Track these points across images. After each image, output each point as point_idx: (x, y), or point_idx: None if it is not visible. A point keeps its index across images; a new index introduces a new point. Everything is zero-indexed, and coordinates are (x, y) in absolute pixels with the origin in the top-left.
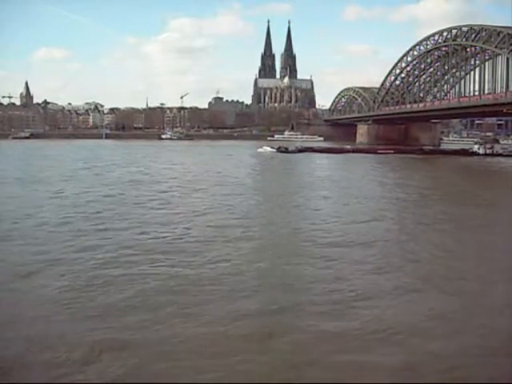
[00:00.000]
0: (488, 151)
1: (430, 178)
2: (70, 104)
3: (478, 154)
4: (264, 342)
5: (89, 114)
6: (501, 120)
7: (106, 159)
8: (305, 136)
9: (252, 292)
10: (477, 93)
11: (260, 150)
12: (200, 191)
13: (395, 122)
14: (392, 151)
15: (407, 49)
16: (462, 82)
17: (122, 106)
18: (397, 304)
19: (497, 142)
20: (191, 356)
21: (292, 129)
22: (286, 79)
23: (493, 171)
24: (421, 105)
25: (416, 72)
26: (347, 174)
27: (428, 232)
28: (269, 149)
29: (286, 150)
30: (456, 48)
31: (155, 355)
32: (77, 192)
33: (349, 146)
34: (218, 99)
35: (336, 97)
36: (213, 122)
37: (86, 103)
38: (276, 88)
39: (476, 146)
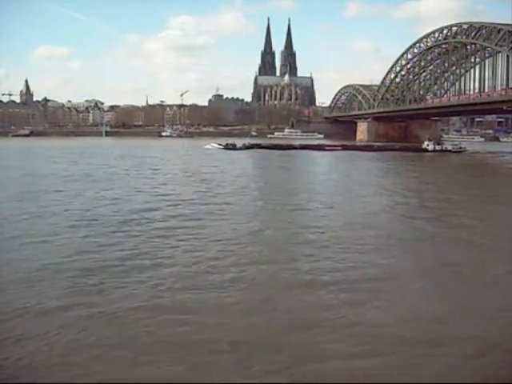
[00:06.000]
0: (437, 147)
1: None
2: (70, 102)
3: (427, 151)
4: None
5: (89, 112)
6: (501, 117)
7: (137, 155)
8: (305, 133)
9: None
10: (477, 90)
11: (207, 146)
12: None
13: (395, 120)
14: (340, 147)
15: (408, 46)
16: (462, 79)
17: (122, 103)
18: None
19: (497, 139)
20: None
21: (292, 126)
22: (286, 77)
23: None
24: (421, 102)
25: (416, 69)
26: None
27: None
28: (216, 145)
29: (234, 147)
30: (456, 45)
31: None
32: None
33: (297, 143)
34: (218, 97)
35: (336, 94)
36: (213, 120)
37: (86, 101)
38: (276, 85)
39: (426, 143)
